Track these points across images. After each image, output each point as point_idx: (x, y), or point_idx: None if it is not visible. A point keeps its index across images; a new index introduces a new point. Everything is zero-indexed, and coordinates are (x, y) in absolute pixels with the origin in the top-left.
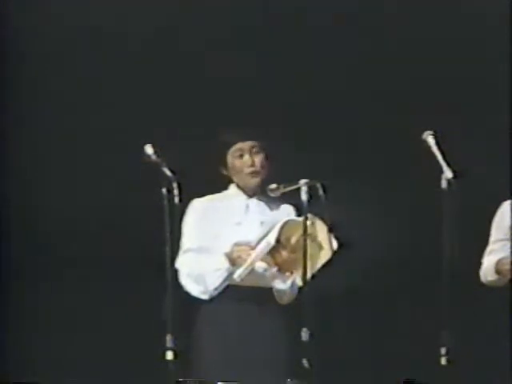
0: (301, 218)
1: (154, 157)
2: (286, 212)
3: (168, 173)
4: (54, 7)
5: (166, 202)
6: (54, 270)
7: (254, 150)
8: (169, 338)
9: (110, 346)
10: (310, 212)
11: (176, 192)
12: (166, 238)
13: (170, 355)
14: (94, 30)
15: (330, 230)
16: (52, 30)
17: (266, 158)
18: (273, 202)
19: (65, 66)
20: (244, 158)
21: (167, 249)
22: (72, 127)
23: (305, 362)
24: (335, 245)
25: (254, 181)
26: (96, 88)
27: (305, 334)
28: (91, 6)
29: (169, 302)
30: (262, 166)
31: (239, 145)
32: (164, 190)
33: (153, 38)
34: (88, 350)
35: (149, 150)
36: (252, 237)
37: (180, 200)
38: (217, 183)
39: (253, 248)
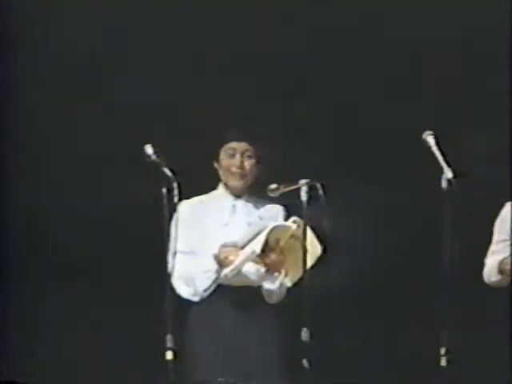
0: (288, 223)
1: (153, 157)
2: (275, 212)
3: (168, 173)
4: (53, 7)
5: (165, 201)
6: (53, 270)
7: (247, 153)
8: (169, 338)
9: (110, 345)
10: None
11: (176, 192)
12: (165, 238)
13: (169, 355)
14: (94, 30)
15: (316, 234)
16: (52, 29)
17: (257, 163)
18: (261, 202)
19: (65, 65)
20: (234, 158)
21: (167, 249)
22: (72, 127)
23: (305, 362)
24: (319, 249)
25: (238, 183)
26: (96, 88)
27: (305, 334)
28: (92, 7)
29: (169, 302)
30: (250, 171)
31: (233, 144)
32: (164, 190)
33: (153, 38)
34: (88, 349)
35: (149, 149)
36: (238, 237)
37: (180, 200)
38: (216, 183)
39: (240, 248)
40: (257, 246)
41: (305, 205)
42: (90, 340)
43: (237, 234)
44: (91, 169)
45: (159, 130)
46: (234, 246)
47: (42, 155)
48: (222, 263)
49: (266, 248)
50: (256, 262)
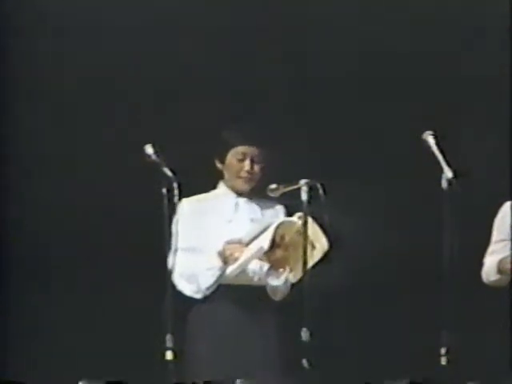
0: (294, 218)
1: (154, 157)
2: (275, 210)
3: (168, 173)
4: (53, 7)
5: (165, 201)
6: (53, 270)
7: (256, 158)
8: (169, 337)
9: (110, 345)
10: (309, 212)
11: (176, 192)
12: (165, 238)
13: (169, 355)
14: (94, 30)
15: (323, 230)
16: (52, 30)
17: (263, 167)
18: (262, 200)
19: (65, 65)
20: (244, 163)
21: (167, 249)
22: (72, 127)
23: (305, 362)
24: (326, 244)
25: (245, 186)
26: (96, 88)
27: (305, 334)
28: (91, 6)
29: (169, 301)
30: (257, 175)
31: (244, 149)
32: (164, 190)
33: (153, 38)
34: (88, 349)
35: (149, 149)
36: (243, 234)
37: (180, 200)
38: (217, 183)
39: (245, 245)
40: (264, 242)
41: (305, 205)
42: (90, 340)
43: (240, 231)
44: (91, 169)
45: (159, 130)
46: (239, 242)
47: (42, 155)
48: (226, 260)
49: (272, 245)
50: (260, 259)
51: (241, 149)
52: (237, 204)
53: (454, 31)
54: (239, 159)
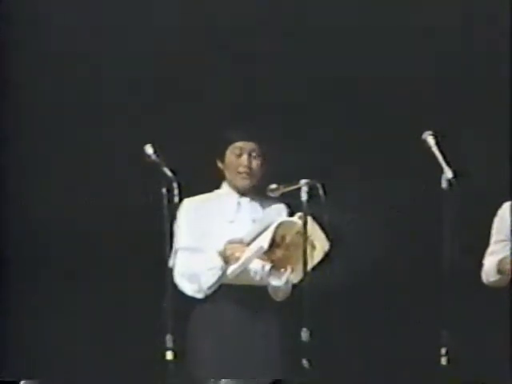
0: (294, 218)
1: (153, 157)
2: (278, 210)
3: (168, 173)
4: (54, 7)
5: (165, 201)
6: (53, 269)
7: (254, 153)
8: (169, 337)
9: (110, 345)
10: (310, 211)
11: (176, 192)
12: (165, 238)
13: (169, 355)
14: (93, 30)
15: (323, 229)
16: (52, 30)
17: (263, 163)
18: (265, 200)
19: (65, 66)
20: (242, 158)
21: (167, 249)
22: (72, 127)
23: (305, 362)
24: (327, 244)
25: (245, 182)
26: (96, 88)
27: (305, 334)
28: (91, 6)
29: (169, 302)
30: (257, 170)
31: (241, 144)
32: (164, 190)
33: (153, 38)
34: (88, 349)
35: (149, 150)
36: (244, 234)
37: (180, 200)
38: (217, 183)
39: (246, 245)
40: (264, 241)
41: (305, 205)
42: (90, 340)
43: (242, 231)
44: (91, 169)
45: (159, 130)
46: (240, 242)
47: (41, 155)
48: (227, 260)
49: (272, 244)
50: (262, 259)
51: (238, 144)
52: (239, 204)
53: (454, 31)
54: (237, 154)
